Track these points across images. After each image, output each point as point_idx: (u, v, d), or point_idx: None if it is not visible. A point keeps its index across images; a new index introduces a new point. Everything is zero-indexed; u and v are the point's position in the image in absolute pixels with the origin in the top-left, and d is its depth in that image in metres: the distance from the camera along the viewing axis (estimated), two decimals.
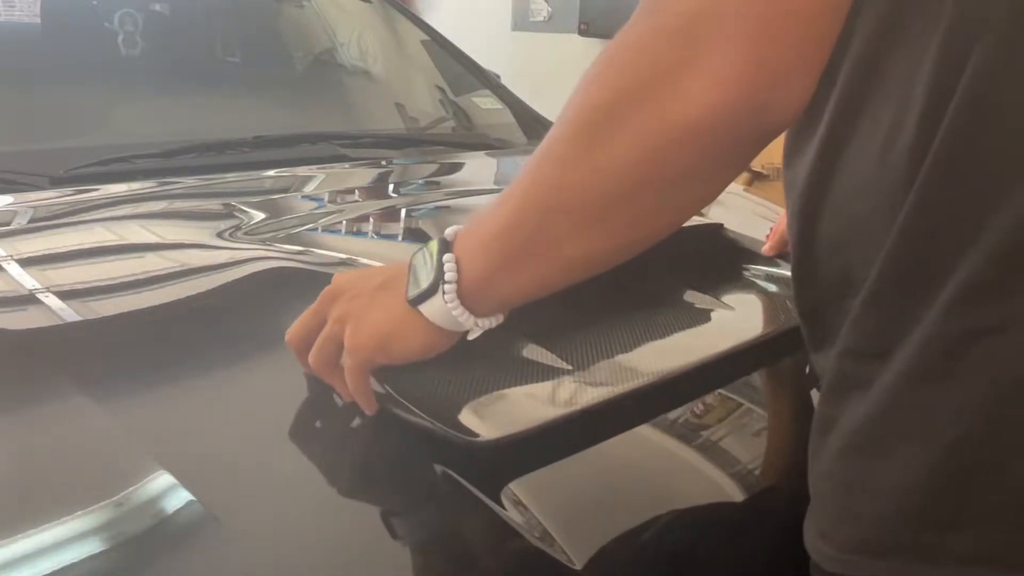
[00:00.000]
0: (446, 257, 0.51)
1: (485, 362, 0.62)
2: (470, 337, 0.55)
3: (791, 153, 0.50)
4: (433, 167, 1.38)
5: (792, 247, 0.52)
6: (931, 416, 0.42)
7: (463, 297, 0.51)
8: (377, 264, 0.88)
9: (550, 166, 0.48)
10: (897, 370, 0.43)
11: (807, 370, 0.81)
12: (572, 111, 0.46)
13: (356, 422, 0.61)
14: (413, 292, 0.53)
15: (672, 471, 0.64)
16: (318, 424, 0.62)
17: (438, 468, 0.57)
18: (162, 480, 0.52)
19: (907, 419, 0.43)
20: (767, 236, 0.93)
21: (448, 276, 0.51)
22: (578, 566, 0.51)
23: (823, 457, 0.48)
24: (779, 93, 0.41)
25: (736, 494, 0.62)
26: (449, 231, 0.54)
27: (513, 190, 0.50)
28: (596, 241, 0.48)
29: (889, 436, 0.44)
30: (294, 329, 0.59)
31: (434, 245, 0.53)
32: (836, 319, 0.48)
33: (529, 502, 0.56)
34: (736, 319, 0.80)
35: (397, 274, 0.55)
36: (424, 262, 0.53)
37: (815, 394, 0.77)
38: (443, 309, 0.52)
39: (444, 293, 0.51)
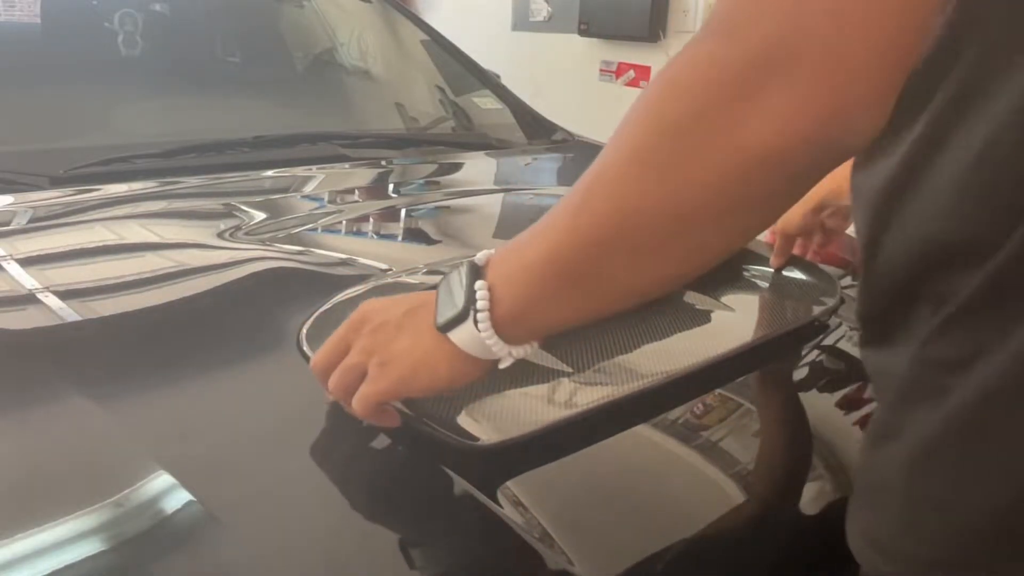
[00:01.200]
0: (478, 284, 0.49)
1: None
2: (501, 366, 0.53)
3: (864, 159, 0.50)
4: (433, 167, 1.38)
5: (861, 249, 0.51)
6: (1017, 436, 0.41)
7: (497, 325, 0.49)
8: (377, 262, 0.88)
9: (605, 193, 0.44)
10: (982, 385, 0.42)
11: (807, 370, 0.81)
12: (632, 134, 0.43)
13: (358, 425, 0.61)
14: (443, 318, 0.51)
15: (672, 472, 0.64)
16: (319, 426, 0.62)
17: (438, 470, 0.57)
18: (161, 480, 0.52)
19: (989, 437, 0.42)
20: (770, 240, 0.93)
21: (480, 304, 0.49)
22: (578, 568, 0.51)
23: (882, 466, 0.47)
24: (859, 121, 0.39)
25: (736, 495, 0.62)
26: (480, 256, 0.52)
27: (558, 217, 0.47)
28: (653, 271, 0.46)
29: (967, 453, 0.42)
30: (319, 357, 0.57)
31: (463, 270, 0.51)
32: (903, 324, 0.47)
33: (529, 503, 0.56)
34: (735, 320, 0.80)
35: (425, 301, 0.53)
36: (454, 288, 0.51)
37: (805, 396, 0.77)
38: (475, 337, 0.50)
39: (477, 321, 0.49)
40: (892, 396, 0.47)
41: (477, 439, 0.57)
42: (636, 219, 0.43)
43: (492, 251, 0.51)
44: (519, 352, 0.51)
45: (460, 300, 0.50)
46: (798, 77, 0.37)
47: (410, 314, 0.53)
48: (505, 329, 0.49)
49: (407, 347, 0.52)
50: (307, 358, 0.63)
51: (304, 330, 0.68)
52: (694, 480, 0.63)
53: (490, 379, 0.60)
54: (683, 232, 0.43)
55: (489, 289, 0.49)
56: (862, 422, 0.76)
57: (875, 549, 0.47)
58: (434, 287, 0.54)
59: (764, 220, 0.45)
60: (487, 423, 0.59)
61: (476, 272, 0.50)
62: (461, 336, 0.50)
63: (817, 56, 0.37)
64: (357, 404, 0.54)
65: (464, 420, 0.59)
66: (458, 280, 0.51)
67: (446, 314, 0.50)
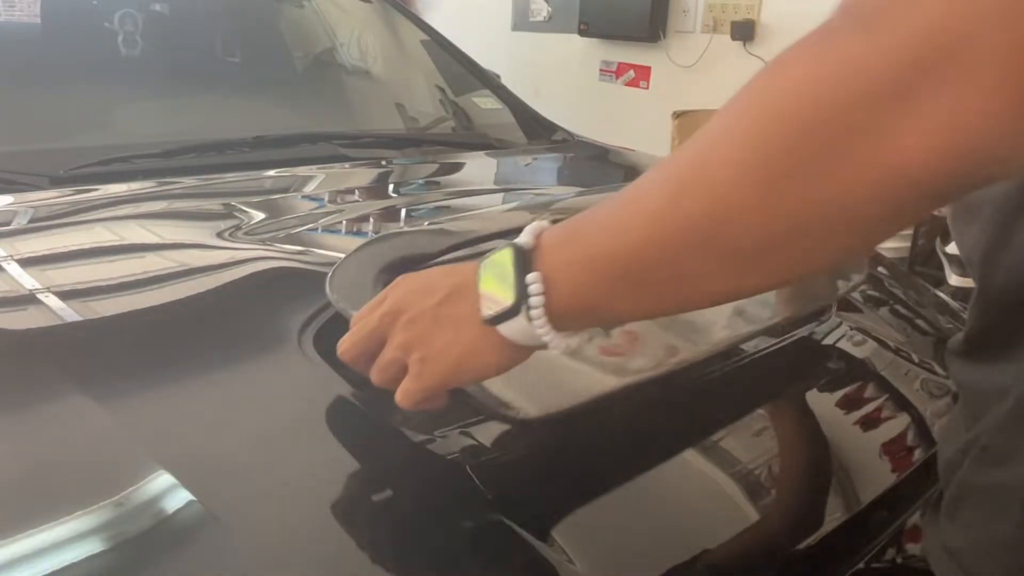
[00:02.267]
0: (531, 277, 0.45)
1: None
2: (552, 351, 0.49)
3: None
4: (433, 167, 1.38)
5: (975, 265, 0.49)
6: None
7: (551, 318, 0.46)
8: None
9: (704, 191, 0.39)
10: None
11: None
12: (746, 132, 0.38)
13: (357, 425, 0.61)
14: (490, 311, 0.47)
15: (675, 473, 0.64)
16: (319, 426, 0.62)
17: (438, 469, 0.57)
18: (162, 480, 0.52)
19: None
20: None
21: (535, 300, 0.45)
22: (579, 567, 0.51)
23: (994, 488, 0.46)
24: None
25: (738, 496, 0.62)
26: (526, 238, 0.47)
27: (635, 210, 0.42)
28: (738, 280, 0.41)
29: None
30: (347, 346, 0.54)
31: (507, 256, 0.46)
32: (1020, 342, 0.46)
33: (531, 503, 0.56)
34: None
35: (460, 286, 0.49)
36: (499, 276, 0.47)
37: (810, 396, 0.77)
38: (526, 330, 0.46)
39: (531, 317, 0.46)
40: (1003, 416, 0.45)
41: (518, 412, 0.56)
42: (735, 226, 0.38)
43: (536, 228, 0.47)
44: (574, 342, 0.48)
45: (509, 292, 0.46)
46: (956, 82, 0.31)
47: (447, 303, 0.50)
48: (560, 322, 0.46)
49: (449, 341, 0.49)
50: (339, 307, 0.62)
51: (331, 277, 0.66)
52: (697, 481, 0.63)
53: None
54: (785, 245, 0.39)
55: (543, 281, 0.45)
56: (862, 422, 0.76)
57: (978, 570, 0.46)
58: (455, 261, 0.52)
59: (874, 240, 0.40)
60: (527, 397, 0.58)
61: (525, 259, 0.46)
62: (511, 329, 0.47)
63: (982, 56, 0.31)
64: (402, 400, 0.52)
65: (504, 393, 0.57)
66: (504, 267, 0.46)
67: (494, 307, 0.47)
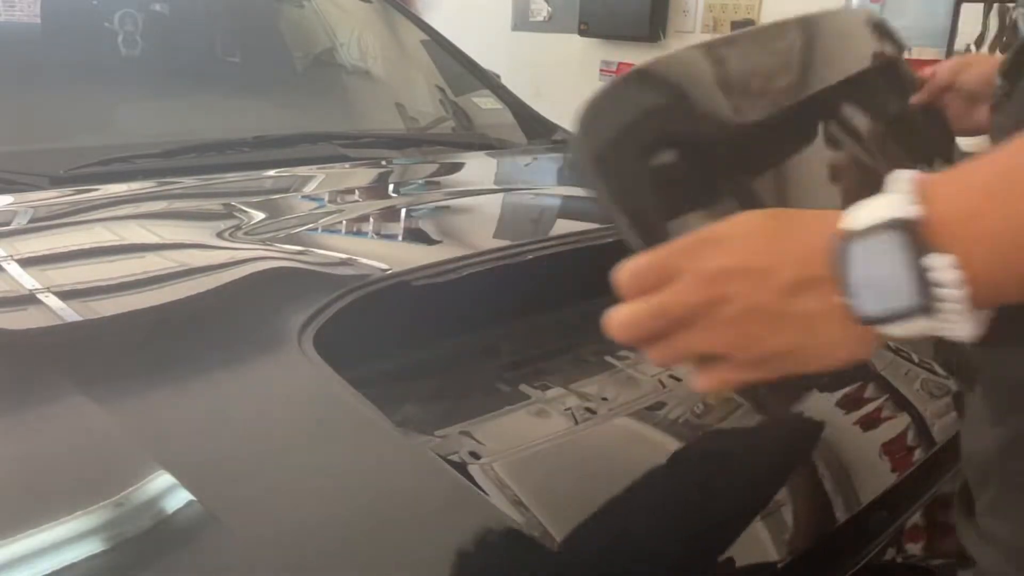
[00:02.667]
0: (940, 261, 0.34)
1: None
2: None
3: None
4: (433, 167, 1.38)
5: None
6: None
7: (968, 308, 0.35)
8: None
9: None
10: None
11: None
12: None
13: (357, 425, 0.61)
14: (874, 310, 0.36)
15: (675, 473, 0.64)
16: (319, 426, 0.62)
17: (437, 468, 0.57)
18: (161, 480, 0.52)
19: None
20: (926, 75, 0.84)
21: (951, 296, 0.35)
22: (557, 545, 0.51)
23: None
24: None
25: (737, 496, 0.62)
26: (913, 208, 0.35)
27: None
28: None
29: None
30: (628, 325, 0.40)
31: (891, 237, 0.35)
32: None
33: (511, 481, 0.56)
34: None
35: (811, 272, 0.38)
36: (881, 261, 0.36)
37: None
38: (927, 327, 0.36)
39: (940, 313, 0.35)
40: None
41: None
42: None
43: (911, 184, 0.36)
44: (979, 329, 0.37)
45: (903, 287, 0.35)
46: None
47: (794, 296, 0.38)
48: (975, 306, 0.36)
49: (796, 344, 0.39)
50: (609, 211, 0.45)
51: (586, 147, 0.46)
52: (676, 465, 0.63)
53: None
54: None
55: (962, 265, 0.34)
56: (862, 423, 0.76)
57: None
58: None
59: None
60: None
61: (918, 238, 0.35)
62: (903, 328, 0.37)
63: None
64: (713, 389, 0.42)
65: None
66: (888, 251, 0.35)
67: (877, 306, 0.36)
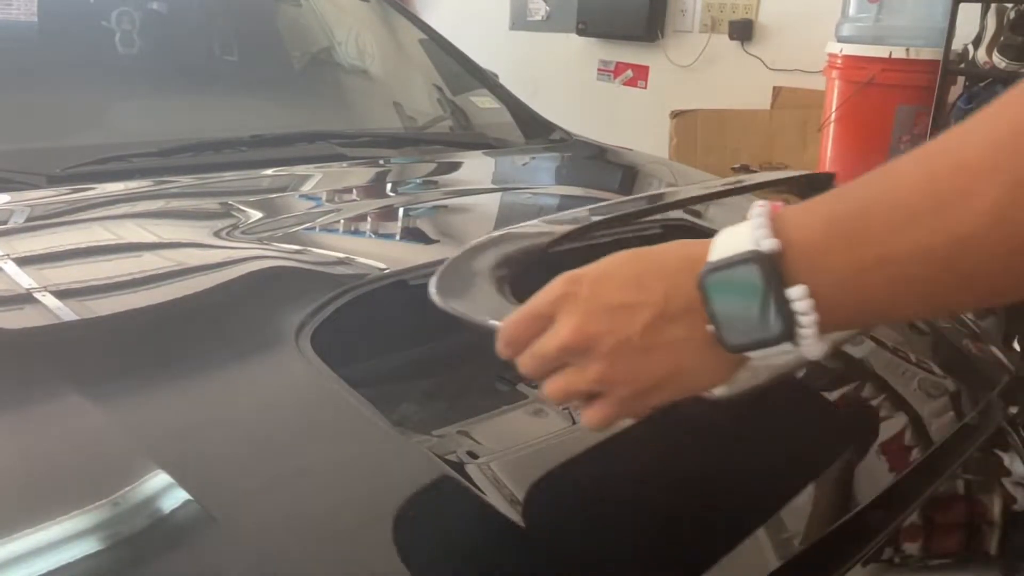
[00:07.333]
0: (795, 292, 0.37)
1: None
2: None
3: None
4: (431, 166, 1.38)
5: None
6: None
7: (821, 333, 0.38)
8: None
9: None
10: None
11: None
12: None
13: (355, 425, 0.61)
14: (738, 340, 0.39)
15: (673, 473, 0.64)
16: (318, 425, 0.62)
17: (436, 468, 0.57)
18: (159, 480, 0.52)
19: None
20: None
21: (805, 323, 0.37)
22: (556, 544, 0.51)
23: None
24: None
25: (736, 496, 0.62)
26: (768, 242, 0.38)
27: (956, 196, 0.34)
28: None
29: None
30: (525, 361, 0.45)
31: (750, 271, 0.38)
32: None
33: (508, 481, 0.56)
34: None
35: (672, 306, 0.40)
36: (741, 292, 0.38)
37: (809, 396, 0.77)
38: (786, 350, 0.39)
39: (799, 339, 0.38)
40: None
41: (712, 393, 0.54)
42: None
43: (766, 218, 0.38)
44: (828, 347, 0.40)
45: (768, 318, 0.38)
46: None
47: (657, 329, 0.40)
48: (825, 331, 0.38)
49: (668, 372, 0.41)
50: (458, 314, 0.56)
51: (437, 281, 0.61)
52: (696, 480, 0.63)
53: None
54: None
55: (812, 295, 0.37)
56: (861, 422, 0.76)
57: None
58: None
59: None
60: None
61: (776, 270, 0.37)
62: (766, 354, 0.39)
63: None
64: (596, 426, 0.44)
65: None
66: (748, 284, 0.38)
67: (746, 334, 0.39)
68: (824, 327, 0.38)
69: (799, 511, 0.64)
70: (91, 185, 1.04)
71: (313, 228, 0.98)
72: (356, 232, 1.01)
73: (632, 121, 3.46)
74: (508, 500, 0.55)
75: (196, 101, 1.44)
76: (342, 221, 1.03)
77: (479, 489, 0.55)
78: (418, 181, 1.32)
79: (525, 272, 0.60)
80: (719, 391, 0.45)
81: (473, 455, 0.59)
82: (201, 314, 0.76)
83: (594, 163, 1.57)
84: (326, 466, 0.57)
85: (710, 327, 0.40)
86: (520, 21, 4.01)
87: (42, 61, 1.35)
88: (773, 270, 0.37)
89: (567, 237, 0.72)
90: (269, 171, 1.19)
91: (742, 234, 0.39)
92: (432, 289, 0.59)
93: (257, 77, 1.61)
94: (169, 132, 1.26)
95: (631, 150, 1.63)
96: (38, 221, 0.96)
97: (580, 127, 1.74)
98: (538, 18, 3.92)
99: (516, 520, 0.54)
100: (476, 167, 1.40)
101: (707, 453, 0.66)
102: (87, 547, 0.47)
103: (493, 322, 0.48)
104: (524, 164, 1.49)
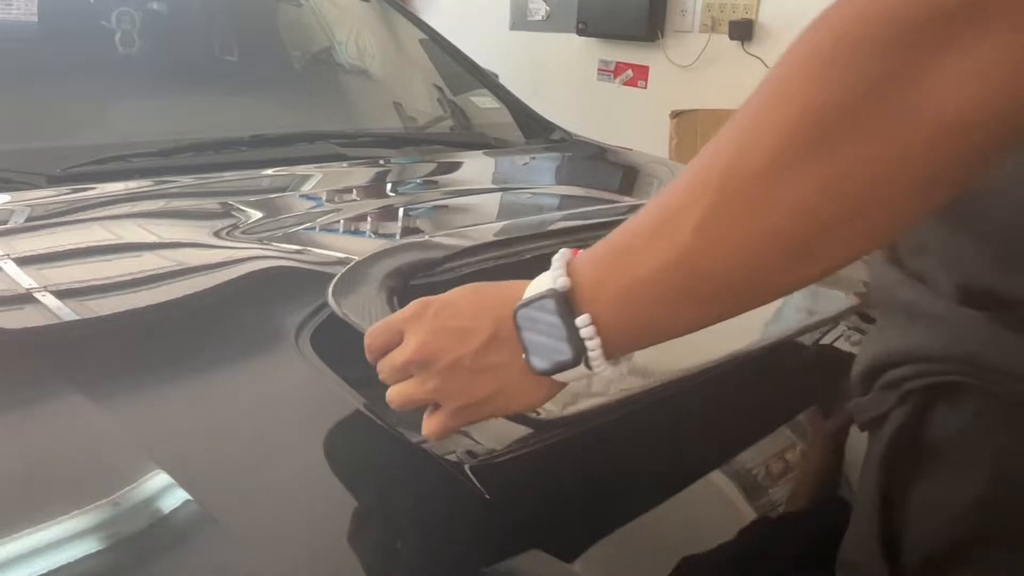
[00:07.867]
0: (581, 321, 0.44)
1: None
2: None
3: None
4: (431, 166, 1.38)
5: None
6: None
7: (607, 355, 0.45)
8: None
9: (751, 187, 0.38)
10: None
11: None
12: (788, 110, 0.37)
13: (355, 424, 0.61)
14: (543, 364, 0.46)
15: (675, 475, 0.64)
16: (317, 425, 0.62)
17: (436, 468, 0.57)
18: (159, 480, 0.52)
19: None
20: None
21: (591, 343, 0.44)
22: (579, 568, 0.51)
23: None
24: None
25: (735, 497, 0.62)
26: (561, 281, 0.45)
27: (672, 222, 0.40)
28: (801, 271, 0.40)
29: None
30: (380, 368, 0.53)
31: (549, 305, 0.45)
32: None
33: (508, 480, 0.56)
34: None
35: (498, 334, 0.47)
36: (543, 325, 0.45)
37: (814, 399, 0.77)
38: (582, 371, 0.46)
39: (589, 361, 0.45)
40: None
41: (538, 413, 0.56)
42: (799, 209, 0.37)
43: (564, 263, 0.45)
44: (624, 366, 0.47)
45: (563, 345, 0.45)
46: (986, 31, 0.32)
47: (486, 353, 0.47)
48: (614, 351, 0.45)
49: (492, 391, 0.48)
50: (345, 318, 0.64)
51: (333, 286, 0.68)
52: (695, 480, 0.63)
53: None
54: (850, 220, 0.37)
55: (594, 323, 0.44)
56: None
57: None
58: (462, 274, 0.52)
59: (939, 201, 0.38)
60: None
61: (568, 304, 0.44)
62: (568, 376, 0.46)
63: (1007, 5, 0.32)
64: (431, 435, 0.51)
65: None
66: (548, 317, 0.45)
67: (546, 361, 0.46)
68: (611, 349, 0.44)
69: (799, 511, 0.64)
70: (91, 185, 1.04)
71: (313, 228, 0.99)
72: (356, 232, 1.01)
73: (632, 121, 3.46)
74: (508, 499, 0.55)
75: (196, 101, 1.44)
76: (342, 221, 1.03)
77: (479, 489, 0.55)
78: (418, 181, 1.32)
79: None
80: (544, 410, 0.54)
81: (473, 455, 0.59)
82: (201, 314, 0.76)
83: (594, 163, 1.57)
84: (326, 466, 0.57)
85: (524, 355, 0.46)
86: (520, 21, 4.00)
87: (42, 61, 1.35)
88: (566, 304, 0.44)
89: (462, 253, 0.78)
90: (269, 171, 1.19)
91: (547, 276, 0.46)
92: (328, 292, 0.66)
93: (257, 77, 1.61)
94: (169, 132, 1.26)
95: (631, 150, 1.63)
96: (38, 221, 0.96)
97: (580, 127, 1.74)
98: (538, 18, 3.91)
99: (516, 520, 0.54)
100: (476, 167, 1.40)
101: (708, 452, 0.66)
102: (87, 547, 0.47)
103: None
104: (524, 164, 1.49)
